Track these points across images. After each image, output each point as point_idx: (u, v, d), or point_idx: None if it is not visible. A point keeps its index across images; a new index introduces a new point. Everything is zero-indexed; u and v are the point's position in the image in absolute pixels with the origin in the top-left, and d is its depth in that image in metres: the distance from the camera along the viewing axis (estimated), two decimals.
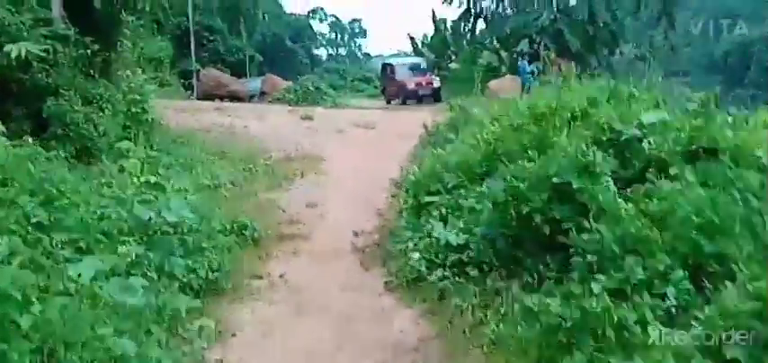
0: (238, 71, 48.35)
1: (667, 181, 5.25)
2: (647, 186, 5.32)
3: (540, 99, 7.66)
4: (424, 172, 8.14)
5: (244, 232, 8.22)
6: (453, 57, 38.27)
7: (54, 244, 5.72)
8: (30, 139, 8.24)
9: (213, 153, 13.64)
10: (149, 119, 13.14)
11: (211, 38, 50.87)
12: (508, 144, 7.01)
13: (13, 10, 11.61)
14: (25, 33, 11.10)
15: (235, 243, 7.69)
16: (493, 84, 29.53)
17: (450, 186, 7.20)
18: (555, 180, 5.42)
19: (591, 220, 4.92)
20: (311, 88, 27.29)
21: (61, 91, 11.92)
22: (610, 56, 30.47)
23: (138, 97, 12.17)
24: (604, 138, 6.28)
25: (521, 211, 5.59)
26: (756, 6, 56.44)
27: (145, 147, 11.42)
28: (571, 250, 4.97)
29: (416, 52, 41.10)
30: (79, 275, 4.97)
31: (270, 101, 26.91)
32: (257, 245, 8.19)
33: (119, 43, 19.47)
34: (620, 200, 5.16)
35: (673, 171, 5.39)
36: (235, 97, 27.50)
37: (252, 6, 60.62)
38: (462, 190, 7.23)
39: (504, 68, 33.13)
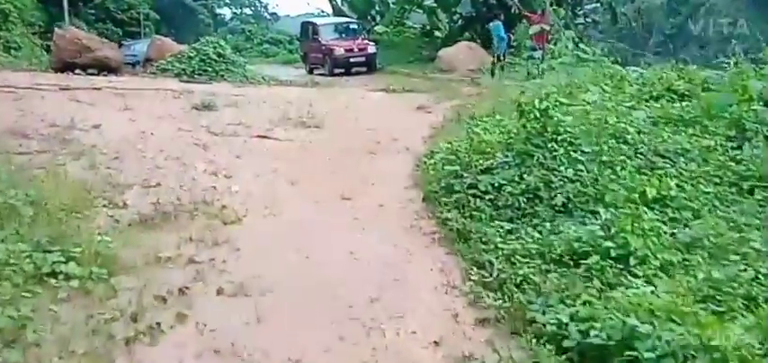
0: (132, 32, 38.65)
1: None
2: None
3: None
4: None
5: None
6: (378, 19, 30.80)
7: None
8: None
9: None
10: None
11: None
12: None
13: None
14: None
15: None
16: (445, 52, 22.50)
17: None
18: None
19: None
20: (212, 55, 18.71)
21: None
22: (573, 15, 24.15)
23: None
24: None
25: None
26: None
27: None
28: None
29: (335, 13, 33.03)
30: None
31: (155, 73, 18.16)
32: None
33: None
34: None
35: None
36: (105, 67, 18.51)
37: None
38: None
39: (438, 33, 26.47)
